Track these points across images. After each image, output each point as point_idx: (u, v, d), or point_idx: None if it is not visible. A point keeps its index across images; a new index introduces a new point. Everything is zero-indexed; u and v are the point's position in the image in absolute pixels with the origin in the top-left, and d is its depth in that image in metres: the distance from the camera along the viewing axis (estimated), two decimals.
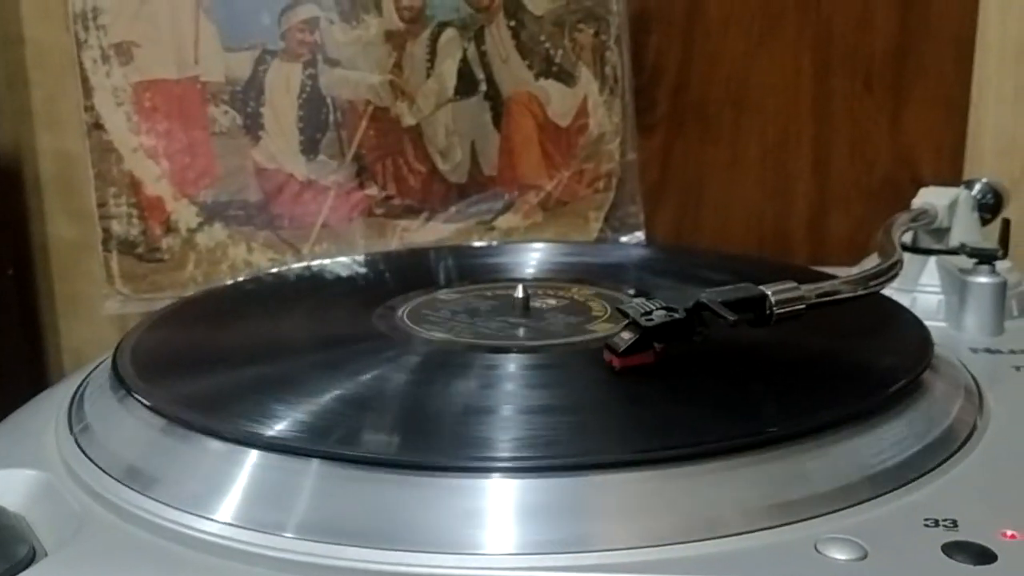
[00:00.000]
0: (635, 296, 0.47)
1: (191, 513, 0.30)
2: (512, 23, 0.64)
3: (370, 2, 0.63)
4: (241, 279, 0.57)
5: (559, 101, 0.64)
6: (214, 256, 0.63)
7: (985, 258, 0.47)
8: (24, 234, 0.76)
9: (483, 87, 0.64)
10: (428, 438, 0.31)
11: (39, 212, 0.76)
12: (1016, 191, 0.64)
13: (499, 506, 0.28)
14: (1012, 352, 0.44)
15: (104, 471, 0.33)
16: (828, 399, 0.33)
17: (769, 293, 0.36)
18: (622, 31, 0.65)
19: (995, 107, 0.69)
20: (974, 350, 0.45)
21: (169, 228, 0.63)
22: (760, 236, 0.73)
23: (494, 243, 0.62)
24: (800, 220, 0.73)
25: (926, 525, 0.28)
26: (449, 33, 0.63)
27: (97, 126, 0.62)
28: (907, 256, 0.52)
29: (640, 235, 0.65)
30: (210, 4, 0.62)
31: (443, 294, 0.47)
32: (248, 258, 0.63)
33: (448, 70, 0.63)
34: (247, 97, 0.63)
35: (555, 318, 0.43)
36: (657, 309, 0.35)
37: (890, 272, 0.40)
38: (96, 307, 0.72)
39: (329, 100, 0.63)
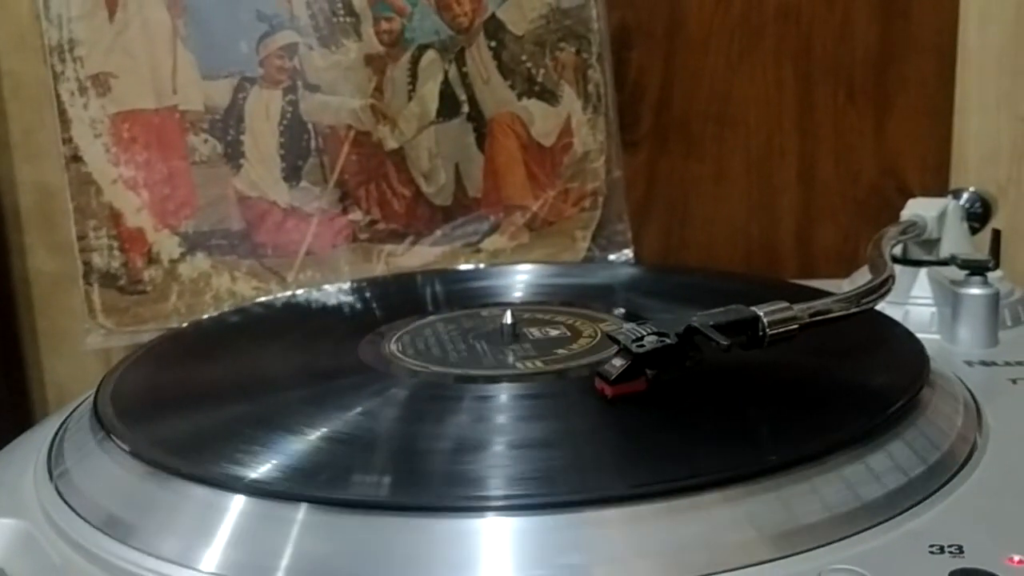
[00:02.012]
0: (624, 317, 0.46)
1: (175, 563, 0.29)
2: (493, 44, 0.63)
3: (349, 27, 0.62)
4: (225, 311, 0.56)
5: (542, 121, 0.64)
6: (197, 287, 0.62)
7: (977, 269, 0.47)
8: (4, 268, 0.75)
9: (465, 109, 0.63)
10: (419, 478, 0.30)
11: (19, 245, 0.75)
12: (1002, 198, 0.64)
13: (494, 545, 0.27)
14: (1007, 364, 0.44)
15: (84, 519, 0.32)
16: (826, 424, 0.32)
17: (761, 314, 0.35)
18: (603, 49, 0.64)
19: (978, 115, 0.69)
20: (969, 363, 0.44)
21: (151, 260, 0.62)
22: (747, 250, 0.73)
23: (481, 266, 0.61)
24: (787, 233, 0.73)
25: (931, 552, 0.28)
26: (430, 55, 0.63)
27: (76, 158, 0.61)
28: (898, 268, 0.51)
29: (628, 253, 0.64)
30: (187, 33, 0.61)
31: (430, 321, 0.46)
32: (232, 288, 0.62)
33: (430, 93, 0.63)
34: (227, 125, 0.62)
35: (545, 344, 0.42)
36: (648, 335, 0.34)
37: (882, 288, 0.40)
38: (78, 342, 0.71)
39: (310, 126, 0.62)
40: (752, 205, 0.72)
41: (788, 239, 0.73)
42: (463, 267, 0.61)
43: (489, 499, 0.28)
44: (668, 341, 0.34)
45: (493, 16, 0.63)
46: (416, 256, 0.63)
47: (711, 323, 0.34)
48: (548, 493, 0.28)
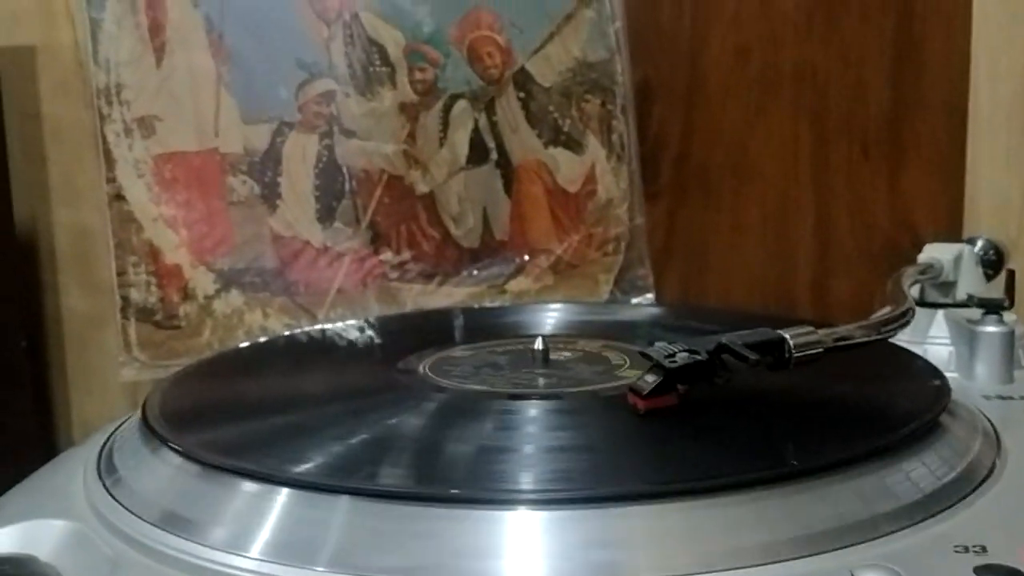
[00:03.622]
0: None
1: (224, 551, 0.30)
2: (521, 94, 0.66)
3: (384, 76, 0.65)
4: (257, 341, 0.57)
5: (568, 168, 0.66)
6: (230, 322, 0.64)
7: (992, 308, 0.48)
8: (38, 307, 0.77)
9: (494, 155, 0.66)
10: (454, 473, 0.32)
11: (53, 285, 0.77)
12: (1014, 251, 0.66)
13: (525, 537, 0.29)
14: (1023, 398, 0.45)
15: (136, 515, 0.33)
16: (855, 436, 0.34)
17: (788, 337, 0.37)
18: (627, 101, 0.67)
19: (989, 170, 0.71)
20: (987, 397, 0.45)
21: (187, 295, 0.64)
22: (764, 299, 0.74)
23: (507, 304, 0.63)
24: (803, 284, 0.74)
25: (956, 551, 0.29)
26: (461, 104, 0.66)
27: (118, 197, 0.64)
28: (917, 310, 0.53)
29: (650, 297, 0.66)
30: (230, 79, 0.64)
31: (461, 349, 0.48)
32: (264, 324, 0.64)
33: (460, 139, 0.66)
34: (265, 167, 0.65)
35: (576, 368, 0.43)
36: (680, 352, 0.36)
37: (903, 318, 0.42)
38: (108, 380, 0.73)
39: (345, 169, 0.65)
40: (769, 255, 0.74)
41: (804, 289, 0.74)
42: (491, 304, 0.63)
43: (520, 492, 0.30)
44: (699, 357, 0.35)
45: (522, 68, 0.66)
46: (444, 296, 0.65)
47: (740, 342, 0.36)
48: (576, 489, 0.30)
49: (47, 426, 0.77)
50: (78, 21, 0.68)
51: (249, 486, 0.32)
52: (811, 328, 0.38)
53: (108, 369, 0.73)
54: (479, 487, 0.30)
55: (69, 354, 0.78)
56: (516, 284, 0.66)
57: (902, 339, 0.51)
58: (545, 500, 0.29)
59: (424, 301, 0.65)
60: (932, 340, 0.51)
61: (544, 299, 0.64)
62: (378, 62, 0.65)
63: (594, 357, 0.46)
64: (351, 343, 0.52)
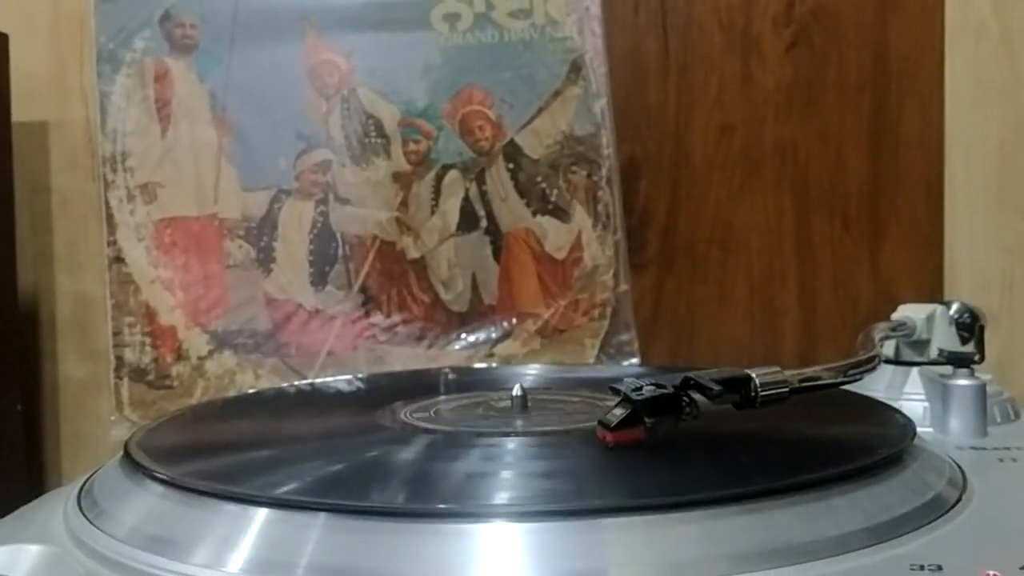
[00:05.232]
0: None
1: (201, 567, 0.30)
2: (511, 166, 0.69)
3: (379, 147, 0.68)
4: (243, 393, 0.58)
5: (555, 236, 0.68)
6: (222, 383, 0.65)
7: (962, 362, 0.49)
8: (36, 372, 0.78)
9: (484, 223, 0.68)
10: (428, 492, 0.32)
11: (52, 351, 0.79)
12: (995, 325, 0.67)
13: (500, 549, 0.29)
14: (996, 449, 0.45)
15: (111, 536, 0.34)
16: (816, 464, 0.34)
17: (754, 375, 0.38)
18: (612, 173, 0.69)
19: (968, 244, 0.73)
20: (960, 448, 0.46)
21: (180, 356, 0.65)
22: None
23: (494, 365, 0.64)
24: (790, 354, 0.75)
25: (912, 569, 0.29)
26: (453, 175, 0.68)
27: (118, 259, 0.66)
28: (891, 368, 0.54)
29: (635, 361, 0.67)
30: (231, 149, 0.67)
31: (444, 398, 0.49)
32: (255, 385, 0.65)
33: (451, 208, 0.68)
34: (261, 232, 0.67)
35: (552, 413, 0.44)
36: (647, 385, 0.37)
37: (868, 364, 0.42)
38: (97, 446, 0.74)
39: (339, 235, 0.67)
40: (755, 326, 0.75)
41: (790, 360, 0.75)
42: (477, 365, 0.64)
43: (495, 506, 0.30)
44: (666, 390, 0.36)
45: (512, 141, 0.69)
46: (432, 359, 0.66)
47: (707, 377, 0.37)
48: (549, 502, 0.31)
49: (38, 489, 0.77)
50: (90, 96, 0.72)
51: (229, 507, 0.32)
52: (778, 368, 0.39)
53: (98, 435, 0.74)
54: (454, 502, 0.31)
55: (63, 420, 0.79)
56: (504, 348, 0.67)
57: (878, 395, 0.52)
58: (519, 513, 0.30)
59: (413, 363, 0.66)
60: (907, 396, 0.52)
61: (530, 360, 0.65)
62: (374, 134, 0.68)
63: (573, 405, 0.47)
64: (334, 394, 0.53)
